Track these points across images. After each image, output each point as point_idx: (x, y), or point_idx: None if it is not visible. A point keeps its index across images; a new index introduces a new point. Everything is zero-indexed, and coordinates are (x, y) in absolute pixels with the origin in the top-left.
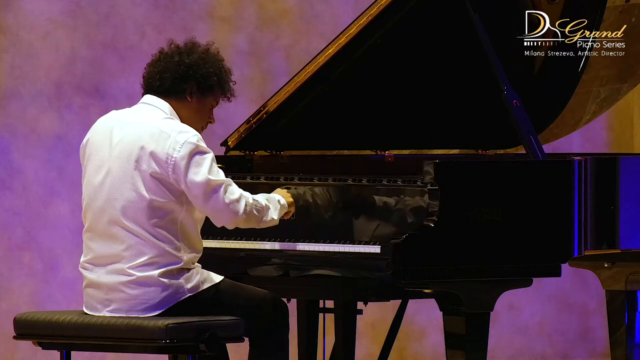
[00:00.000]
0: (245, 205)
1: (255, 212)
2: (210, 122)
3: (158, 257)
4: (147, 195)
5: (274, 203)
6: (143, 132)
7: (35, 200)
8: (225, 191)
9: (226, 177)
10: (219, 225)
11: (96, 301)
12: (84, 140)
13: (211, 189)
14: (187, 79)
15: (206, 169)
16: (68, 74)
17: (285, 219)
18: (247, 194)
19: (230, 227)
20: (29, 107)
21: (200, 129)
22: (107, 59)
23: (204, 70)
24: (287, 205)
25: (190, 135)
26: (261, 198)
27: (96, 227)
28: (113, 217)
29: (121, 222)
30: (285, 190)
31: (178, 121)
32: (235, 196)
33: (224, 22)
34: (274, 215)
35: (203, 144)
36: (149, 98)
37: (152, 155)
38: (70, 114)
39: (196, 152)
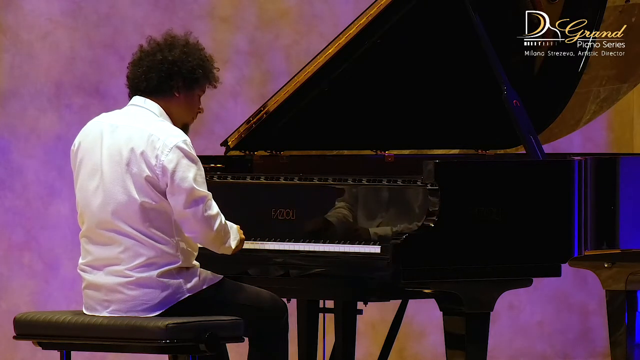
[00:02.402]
0: (219, 223)
1: (223, 233)
2: (200, 111)
3: (156, 258)
4: (138, 198)
5: (235, 232)
6: (133, 134)
7: (35, 200)
8: (206, 205)
9: (225, 178)
10: (187, 234)
11: (95, 302)
12: (75, 145)
13: (193, 199)
14: (172, 76)
15: (192, 177)
16: (68, 74)
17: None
18: (221, 214)
19: (196, 240)
20: (29, 107)
21: (191, 120)
22: (107, 59)
23: (188, 65)
24: (240, 239)
25: (179, 140)
26: (228, 224)
27: (92, 231)
28: (108, 220)
29: (116, 225)
30: (238, 226)
31: (168, 123)
32: (213, 212)
33: (224, 22)
34: (232, 243)
35: (192, 151)
36: (137, 99)
37: (142, 157)
38: (70, 114)
39: (184, 157)
